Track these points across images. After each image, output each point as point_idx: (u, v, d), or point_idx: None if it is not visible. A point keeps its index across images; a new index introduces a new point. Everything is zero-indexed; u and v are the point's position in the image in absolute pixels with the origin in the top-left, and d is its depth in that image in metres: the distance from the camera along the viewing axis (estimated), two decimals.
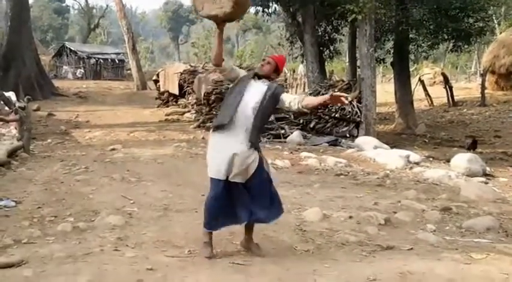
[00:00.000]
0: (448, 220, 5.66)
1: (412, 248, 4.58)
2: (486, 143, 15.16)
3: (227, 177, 4.07)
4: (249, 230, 4.36)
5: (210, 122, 15.18)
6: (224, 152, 4.04)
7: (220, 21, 4.01)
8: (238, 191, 4.14)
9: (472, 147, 13.32)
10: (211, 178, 4.16)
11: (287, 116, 13.84)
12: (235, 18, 4.17)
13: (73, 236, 4.81)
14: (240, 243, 4.43)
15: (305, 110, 4.20)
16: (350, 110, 13.64)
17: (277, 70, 4.24)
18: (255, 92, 4.09)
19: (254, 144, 4.11)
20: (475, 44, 24.59)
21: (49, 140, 12.88)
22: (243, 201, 4.16)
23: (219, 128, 4.11)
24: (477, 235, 5.13)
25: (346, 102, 4.09)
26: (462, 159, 9.31)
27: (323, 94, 13.85)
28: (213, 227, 4.23)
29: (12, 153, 9.47)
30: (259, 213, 4.18)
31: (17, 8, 23.53)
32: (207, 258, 4.13)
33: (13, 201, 6.15)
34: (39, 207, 5.89)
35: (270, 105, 4.15)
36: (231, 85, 4.34)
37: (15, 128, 11.71)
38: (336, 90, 13.91)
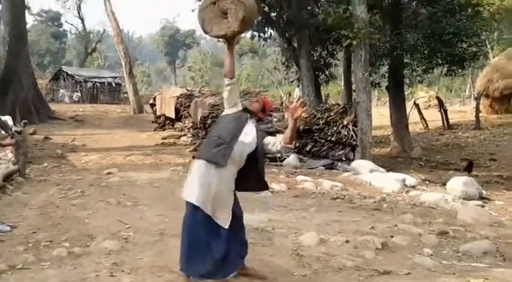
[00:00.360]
0: (445, 244, 5.65)
1: (409, 273, 4.56)
2: (482, 166, 15.19)
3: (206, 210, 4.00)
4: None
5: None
6: (211, 185, 3.98)
7: (230, 38, 4.11)
8: (221, 234, 4.03)
9: (468, 169, 13.33)
10: (189, 203, 4.07)
11: None
12: (243, 32, 4.32)
13: (68, 262, 4.78)
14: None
15: (289, 145, 4.16)
16: (346, 133, 13.69)
17: (263, 110, 4.34)
18: (249, 135, 4.09)
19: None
20: (469, 68, 24.85)
21: (45, 164, 12.85)
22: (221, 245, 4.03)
23: (211, 162, 4.01)
24: (474, 259, 5.12)
25: (303, 110, 4.08)
26: (458, 183, 9.32)
27: (318, 118, 14.01)
28: (188, 268, 4.09)
29: (7, 177, 9.44)
30: (235, 265, 4.11)
31: (15, 33, 23.71)
32: None
33: (8, 225, 6.11)
34: (34, 232, 5.86)
35: (262, 149, 4.17)
36: (225, 112, 4.30)
37: (11, 152, 11.66)
38: (331, 114, 14.00)
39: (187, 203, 4.10)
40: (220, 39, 4.27)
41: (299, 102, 4.15)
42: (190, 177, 4.11)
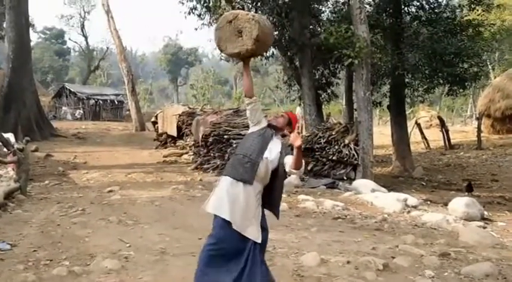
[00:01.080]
0: (446, 266, 5.61)
1: None
2: (483, 187, 15.14)
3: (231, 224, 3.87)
4: None
5: (208, 164, 15.24)
6: (239, 201, 3.91)
7: (244, 57, 4.14)
8: (246, 251, 3.88)
9: (468, 190, 13.32)
10: (217, 218, 3.95)
11: None
12: (259, 54, 4.30)
13: (68, 281, 4.78)
14: None
15: (295, 171, 4.00)
16: (347, 152, 13.69)
17: (290, 124, 4.25)
18: (274, 152, 4.04)
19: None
20: (470, 88, 24.95)
21: (46, 182, 12.86)
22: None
23: (238, 180, 3.95)
24: (476, 281, 5.09)
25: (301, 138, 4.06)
26: (460, 203, 9.29)
27: (320, 137, 14.04)
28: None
29: (9, 195, 9.44)
30: None
31: (18, 50, 23.92)
32: None
33: (8, 244, 6.10)
34: (34, 251, 5.85)
35: (283, 167, 4.06)
36: (250, 130, 4.26)
37: (13, 169, 11.69)
38: (333, 133, 14.03)
39: (216, 217, 3.99)
40: (235, 59, 4.35)
41: (297, 131, 4.16)
42: (218, 192, 4.00)
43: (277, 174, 4.05)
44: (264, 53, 18.92)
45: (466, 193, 12.69)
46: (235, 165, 4.02)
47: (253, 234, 3.89)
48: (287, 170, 3.98)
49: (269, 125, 4.21)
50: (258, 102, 4.24)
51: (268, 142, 4.07)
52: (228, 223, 3.85)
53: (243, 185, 3.92)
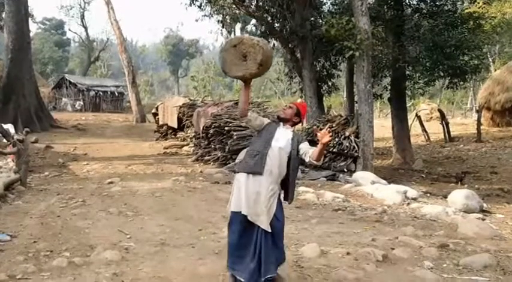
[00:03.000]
0: (445, 257, 5.63)
1: None
2: (483, 179, 15.15)
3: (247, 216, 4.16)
4: None
5: (208, 155, 15.25)
6: (249, 191, 4.16)
7: (247, 79, 4.31)
8: (259, 238, 4.16)
9: (459, 179, 13.58)
10: (232, 212, 4.25)
11: None
12: (260, 75, 4.44)
13: (68, 272, 4.78)
14: None
15: (315, 162, 4.25)
16: (348, 144, 13.69)
17: (298, 114, 4.47)
18: (282, 140, 4.28)
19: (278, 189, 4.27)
20: (471, 81, 24.91)
21: (46, 173, 12.87)
22: (260, 253, 4.15)
23: (249, 173, 4.21)
24: (475, 273, 5.10)
25: (330, 136, 4.21)
26: (459, 196, 9.29)
27: (321, 129, 14.01)
28: (234, 266, 4.24)
29: (9, 186, 9.45)
30: (270, 270, 4.14)
31: (18, 41, 23.86)
32: None
33: (8, 235, 6.12)
34: (34, 242, 5.86)
35: (296, 149, 4.30)
36: (256, 133, 4.51)
37: (13, 161, 11.70)
38: (333, 125, 14.02)
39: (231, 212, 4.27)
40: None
41: (328, 129, 4.33)
42: (235, 191, 4.28)
43: (290, 160, 4.26)
44: None
45: (457, 182, 12.85)
46: (246, 160, 4.30)
47: (264, 223, 4.13)
48: (307, 159, 4.24)
49: (278, 117, 4.46)
50: (253, 115, 4.42)
51: (274, 132, 4.30)
52: (238, 213, 4.19)
53: (252, 176, 4.17)
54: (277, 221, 4.20)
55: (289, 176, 4.30)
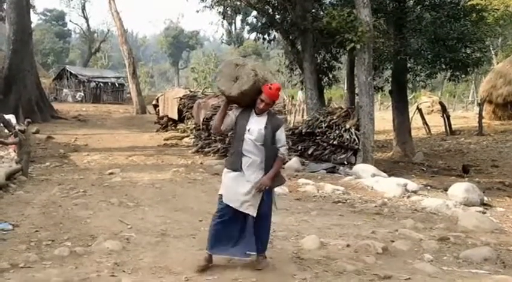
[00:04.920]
0: (445, 250, 5.64)
1: (409, 278, 4.56)
2: (483, 173, 15.16)
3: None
4: None
5: (209, 147, 15.26)
6: (235, 185, 4.49)
7: (227, 98, 4.55)
8: (245, 222, 4.55)
9: (464, 171, 13.60)
10: (221, 202, 4.55)
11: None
12: (238, 102, 4.59)
13: (70, 261, 4.81)
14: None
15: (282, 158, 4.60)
16: (348, 137, 13.68)
17: (273, 104, 4.62)
18: (254, 130, 4.47)
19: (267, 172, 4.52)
20: (473, 73, 24.84)
21: (47, 163, 12.88)
22: (247, 231, 4.54)
23: (233, 170, 4.53)
24: (474, 266, 5.11)
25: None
26: (460, 189, 9.30)
27: (321, 121, 14.02)
28: (213, 248, 4.54)
29: (10, 176, 9.47)
30: (252, 247, 4.54)
31: (19, 32, 23.81)
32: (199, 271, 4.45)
33: (10, 224, 6.14)
34: (36, 231, 5.89)
35: (271, 137, 4.50)
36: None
37: (14, 151, 11.71)
38: (334, 117, 14.00)
39: (220, 197, 4.59)
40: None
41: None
42: (223, 186, 4.60)
43: (266, 146, 4.49)
44: (266, 37, 18.98)
45: (463, 173, 12.86)
46: (229, 157, 4.73)
47: (251, 210, 4.50)
48: (281, 151, 4.54)
49: (255, 112, 4.56)
50: (226, 128, 4.64)
51: (246, 124, 4.49)
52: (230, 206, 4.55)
53: (235, 171, 4.51)
54: (264, 203, 4.53)
55: (266, 163, 4.49)
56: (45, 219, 6.56)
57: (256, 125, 4.47)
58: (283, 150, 4.53)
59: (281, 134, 4.54)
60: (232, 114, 4.60)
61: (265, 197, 4.53)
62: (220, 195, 4.59)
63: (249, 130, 4.45)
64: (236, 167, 4.48)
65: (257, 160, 4.45)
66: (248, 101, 4.51)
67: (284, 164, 12.80)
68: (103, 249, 5.16)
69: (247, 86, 4.40)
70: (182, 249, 5.23)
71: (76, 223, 6.33)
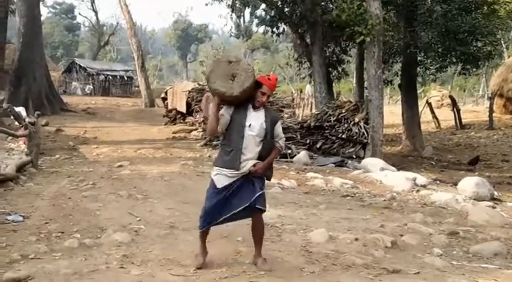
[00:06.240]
0: (455, 244, 5.61)
1: (418, 272, 4.54)
2: (494, 167, 15.07)
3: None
4: (257, 245, 4.50)
5: (217, 140, 15.25)
6: (229, 180, 4.35)
7: (224, 98, 4.32)
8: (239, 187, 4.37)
9: (473, 162, 13.52)
10: (214, 185, 4.39)
11: (294, 136, 13.87)
12: (236, 101, 4.38)
13: (79, 253, 4.83)
14: (252, 260, 4.56)
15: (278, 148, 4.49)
16: (357, 131, 13.64)
17: (263, 90, 4.39)
18: (255, 126, 4.32)
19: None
20: (483, 67, 24.64)
21: (57, 156, 12.94)
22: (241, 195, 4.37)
23: (230, 168, 4.33)
24: (484, 260, 5.09)
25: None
26: (469, 183, 9.24)
27: (330, 115, 13.98)
28: (209, 223, 4.42)
29: (20, 168, 9.53)
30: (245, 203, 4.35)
31: (29, 25, 23.87)
32: (198, 268, 4.35)
33: (21, 215, 6.18)
34: (46, 223, 5.92)
35: (271, 131, 4.40)
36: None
37: (24, 143, 11.79)
38: (343, 111, 13.95)
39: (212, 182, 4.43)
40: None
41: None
42: (214, 170, 4.47)
43: (264, 142, 4.38)
44: (275, 30, 18.91)
45: (471, 166, 12.79)
46: (222, 156, 4.44)
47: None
48: (279, 143, 4.45)
49: (253, 107, 4.39)
50: (221, 130, 4.38)
51: (244, 120, 4.32)
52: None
53: (230, 169, 4.32)
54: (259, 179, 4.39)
55: (263, 156, 4.38)
56: (55, 211, 6.59)
57: (256, 121, 4.32)
58: (281, 142, 4.47)
59: (279, 128, 4.48)
60: (226, 113, 4.35)
61: (257, 183, 4.38)
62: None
63: (249, 126, 4.29)
64: (234, 165, 4.29)
65: (254, 156, 4.33)
66: (246, 97, 4.36)
67: (292, 157, 12.83)
68: (112, 241, 5.18)
69: (248, 82, 4.25)
70: (191, 241, 5.23)
71: (85, 215, 6.35)
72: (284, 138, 4.56)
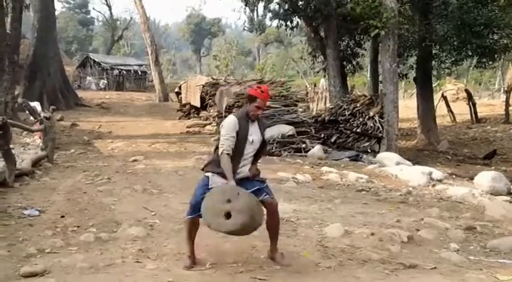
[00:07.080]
0: (472, 239, 5.55)
1: (435, 267, 4.50)
2: (510, 161, 14.89)
3: None
4: (273, 239, 4.45)
5: None
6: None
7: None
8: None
9: (489, 156, 13.36)
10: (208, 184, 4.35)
11: (308, 130, 13.82)
12: (235, 234, 4.31)
13: (95, 247, 4.86)
14: (267, 254, 4.51)
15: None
16: (372, 125, 13.55)
17: (258, 104, 4.38)
18: (255, 137, 4.40)
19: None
20: (499, 60, 24.30)
21: (72, 150, 13.04)
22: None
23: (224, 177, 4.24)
24: (502, 255, 5.02)
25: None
26: (486, 177, 9.13)
27: (344, 109, 13.90)
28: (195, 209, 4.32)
29: (36, 163, 9.63)
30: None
31: (43, 20, 24.03)
32: (186, 269, 4.29)
33: (37, 210, 6.23)
34: (62, 217, 5.97)
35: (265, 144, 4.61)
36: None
37: (40, 138, 11.89)
38: (357, 105, 13.86)
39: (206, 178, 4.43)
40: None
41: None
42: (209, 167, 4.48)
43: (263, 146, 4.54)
44: (289, 24, 18.80)
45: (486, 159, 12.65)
46: (218, 164, 4.33)
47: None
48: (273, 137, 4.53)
49: (250, 118, 4.38)
50: (229, 150, 4.28)
51: (247, 133, 4.33)
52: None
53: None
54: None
55: (256, 157, 4.52)
56: (71, 205, 6.64)
57: (256, 135, 4.41)
58: (268, 146, 4.59)
59: (267, 133, 4.61)
60: (234, 133, 4.28)
61: (255, 181, 4.37)
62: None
63: (252, 141, 4.37)
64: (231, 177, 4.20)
65: (249, 163, 4.43)
66: (242, 234, 4.32)
67: (306, 151, 12.80)
68: (128, 236, 5.21)
69: (242, 220, 3.99)
70: (205, 235, 5.21)
71: (101, 209, 6.39)
72: (269, 140, 4.72)
